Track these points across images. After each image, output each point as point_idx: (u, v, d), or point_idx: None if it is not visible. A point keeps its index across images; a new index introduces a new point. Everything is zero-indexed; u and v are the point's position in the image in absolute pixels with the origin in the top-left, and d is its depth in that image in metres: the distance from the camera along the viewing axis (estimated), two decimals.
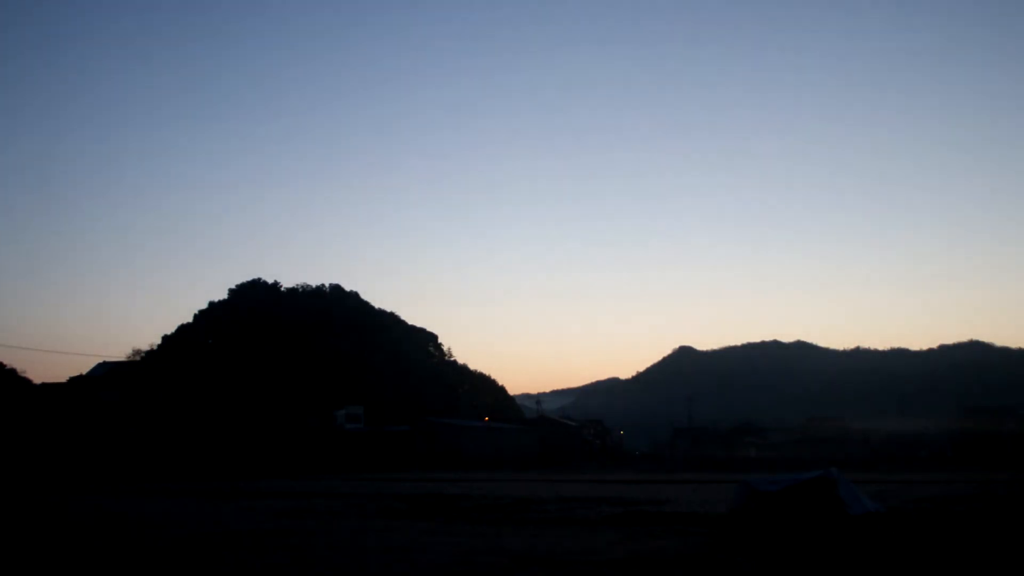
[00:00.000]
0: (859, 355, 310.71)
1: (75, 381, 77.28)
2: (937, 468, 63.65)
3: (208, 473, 48.15)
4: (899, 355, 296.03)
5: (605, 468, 72.70)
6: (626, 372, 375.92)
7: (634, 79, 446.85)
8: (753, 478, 15.97)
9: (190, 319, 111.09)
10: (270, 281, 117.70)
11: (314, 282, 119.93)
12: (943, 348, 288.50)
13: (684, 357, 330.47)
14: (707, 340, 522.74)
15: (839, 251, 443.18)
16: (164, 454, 63.65)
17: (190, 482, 39.17)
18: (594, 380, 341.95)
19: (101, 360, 79.64)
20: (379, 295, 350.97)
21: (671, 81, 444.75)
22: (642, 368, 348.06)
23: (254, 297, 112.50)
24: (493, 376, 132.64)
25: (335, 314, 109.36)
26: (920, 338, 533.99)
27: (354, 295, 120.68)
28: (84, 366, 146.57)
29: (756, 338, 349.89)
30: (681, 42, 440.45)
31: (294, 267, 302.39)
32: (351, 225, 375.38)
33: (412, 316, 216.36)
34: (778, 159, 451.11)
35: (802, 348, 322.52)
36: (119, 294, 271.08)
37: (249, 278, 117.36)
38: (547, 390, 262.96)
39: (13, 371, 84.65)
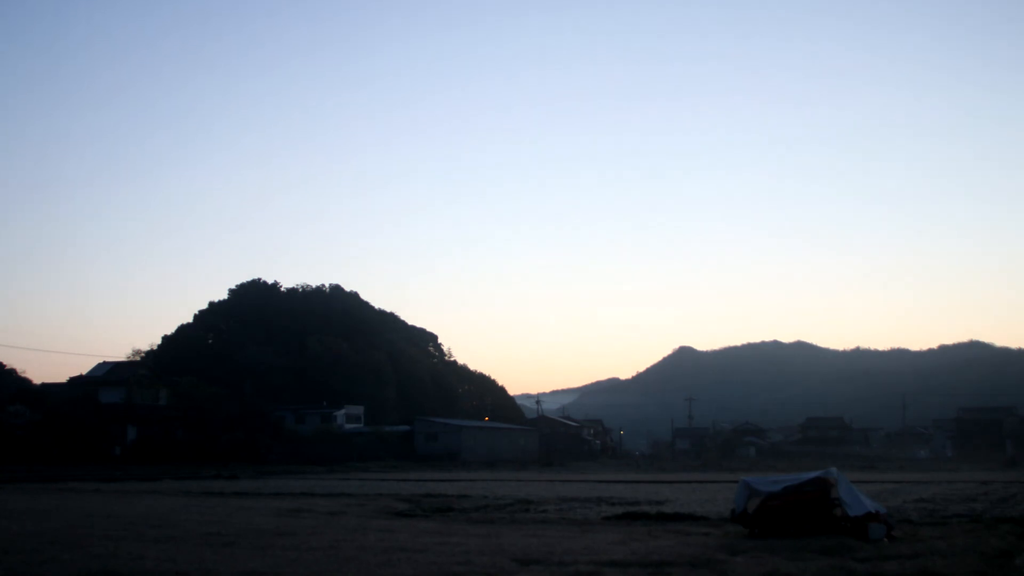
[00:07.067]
0: (859, 355, 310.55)
1: (75, 381, 77.19)
2: (937, 468, 63.68)
3: (208, 472, 48.13)
4: (899, 355, 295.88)
5: (605, 468, 72.70)
6: (626, 372, 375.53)
7: (634, 82, 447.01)
8: (753, 478, 15.96)
9: (190, 319, 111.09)
10: (270, 281, 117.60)
11: (314, 282, 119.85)
12: (943, 348, 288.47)
13: (684, 357, 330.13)
14: (707, 340, 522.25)
15: (839, 251, 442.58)
16: (164, 452, 63.72)
17: (190, 480, 39.16)
18: (594, 380, 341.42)
19: (101, 360, 79.54)
20: (379, 295, 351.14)
21: (671, 83, 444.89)
22: (642, 368, 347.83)
23: (254, 297, 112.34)
24: (493, 376, 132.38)
25: (335, 314, 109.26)
26: (920, 338, 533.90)
27: (354, 295, 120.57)
28: (84, 366, 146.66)
29: (756, 338, 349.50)
30: (678, 44, 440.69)
31: (294, 267, 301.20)
32: (351, 225, 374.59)
33: (412, 316, 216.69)
34: (777, 159, 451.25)
35: (802, 348, 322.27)
36: (119, 294, 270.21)
37: (249, 278, 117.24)
38: (547, 390, 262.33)
39: (13, 371, 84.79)
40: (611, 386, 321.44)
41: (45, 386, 77.87)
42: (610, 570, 10.87)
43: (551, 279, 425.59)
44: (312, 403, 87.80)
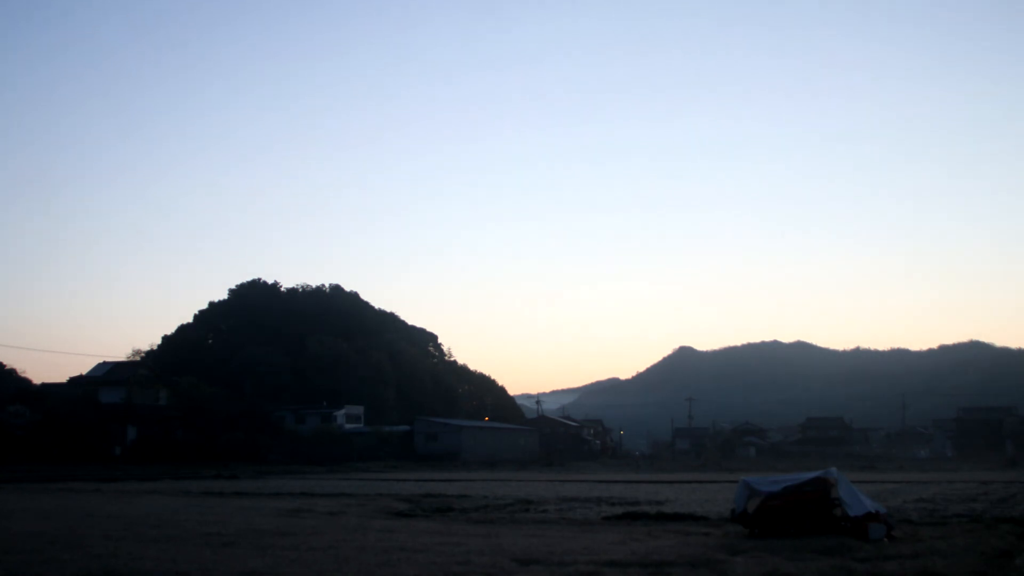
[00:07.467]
0: (859, 355, 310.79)
1: (75, 381, 77.16)
2: (937, 468, 63.68)
3: (208, 472, 48.12)
4: (899, 355, 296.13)
5: (605, 468, 72.69)
6: (626, 372, 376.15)
7: (635, 80, 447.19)
8: (753, 478, 15.94)
9: (190, 319, 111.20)
10: (270, 281, 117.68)
11: (314, 282, 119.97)
12: (943, 348, 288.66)
13: (684, 357, 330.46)
14: (707, 340, 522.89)
15: (839, 251, 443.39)
16: (164, 452, 63.71)
17: (190, 480, 39.16)
18: (594, 380, 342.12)
19: (101, 360, 79.54)
20: (379, 295, 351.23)
21: (672, 82, 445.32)
22: (642, 368, 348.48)
23: (254, 297, 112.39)
24: (493, 376, 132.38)
25: (335, 314, 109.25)
26: (920, 338, 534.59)
27: (354, 295, 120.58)
28: (84, 366, 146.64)
29: (756, 338, 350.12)
30: (679, 42, 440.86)
31: (294, 267, 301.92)
32: (351, 225, 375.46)
33: (412, 316, 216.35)
34: (776, 158, 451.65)
35: (802, 348, 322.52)
36: (119, 294, 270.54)
37: (249, 278, 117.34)
38: (547, 390, 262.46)
39: (13, 371, 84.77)
40: (611, 386, 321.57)
41: (45, 386, 77.84)
42: (610, 570, 10.87)
43: (551, 279, 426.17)
44: (312, 403, 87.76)
